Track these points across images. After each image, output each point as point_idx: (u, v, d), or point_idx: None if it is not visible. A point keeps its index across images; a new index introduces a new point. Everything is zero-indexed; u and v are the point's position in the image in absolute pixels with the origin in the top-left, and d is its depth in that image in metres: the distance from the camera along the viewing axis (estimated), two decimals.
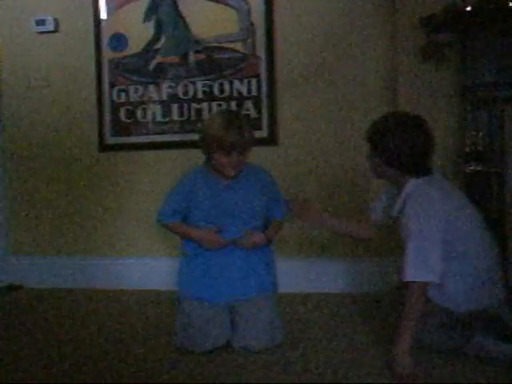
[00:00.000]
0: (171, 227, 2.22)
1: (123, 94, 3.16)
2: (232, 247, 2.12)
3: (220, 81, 3.03)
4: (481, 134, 2.31)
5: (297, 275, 2.91)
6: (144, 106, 3.14)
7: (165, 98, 3.12)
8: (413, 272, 1.78)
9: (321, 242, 2.96)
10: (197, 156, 3.07)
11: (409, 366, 1.76)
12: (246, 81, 3.00)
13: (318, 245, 2.97)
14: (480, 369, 1.82)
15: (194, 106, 3.08)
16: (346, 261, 2.93)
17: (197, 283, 2.15)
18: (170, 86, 3.11)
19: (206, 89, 3.05)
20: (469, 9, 2.19)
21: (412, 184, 1.91)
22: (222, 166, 2.07)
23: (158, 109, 3.13)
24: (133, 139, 3.16)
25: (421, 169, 1.93)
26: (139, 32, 3.11)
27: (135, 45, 3.12)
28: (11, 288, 3.24)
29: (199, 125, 2.15)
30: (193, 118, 3.08)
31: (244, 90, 3.00)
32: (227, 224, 2.12)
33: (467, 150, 2.34)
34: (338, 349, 2.06)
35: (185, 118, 3.09)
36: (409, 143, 1.87)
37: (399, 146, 1.88)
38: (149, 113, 3.14)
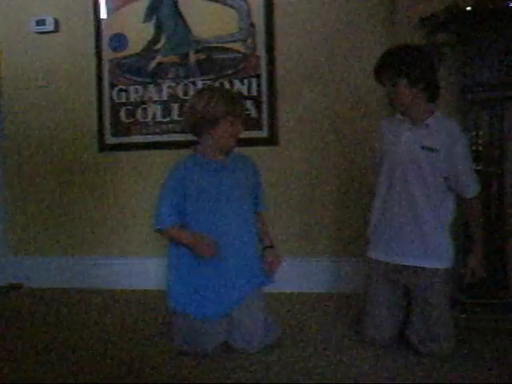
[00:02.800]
0: (170, 234, 2.11)
1: (123, 94, 3.16)
2: (226, 252, 2.06)
3: (220, 81, 3.03)
4: (481, 133, 2.31)
5: (296, 275, 2.91)
6: (144, 105, 3.14)
7: (165, 97, 3.12)
8: (477, 187, 2.04)
9: (320, 241, 2.96)
10: None
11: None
12: (246, 81, 3.00)
13: (317, 244, 2.97)
14: (479, 369, 1.82)
15: None
16: (347, 260, 2.93)
17: (190, 299, 2.07)
18: (170, 86, 3.11)
19: None
20: (469, 9, 2.19)
21: (442, 119, 2.04)
22: (225, 138, 2.06)
23: (158, 109, 3.13)
24: (133, 139, 3.16)
25: (437, 92, 2.05)
26: (139, 32, 3.11)
27: (135, 45, 3.12)
28: (11, 288, 3.25)
29: (185, 108, 2.12)
30: None
31: (244, 90, 3.00)
32: (225, 205, 2.08)
33: None
34: (337, 349, 2.06)
35: None
36: (429, 61, 2.01)
37: (426, 65, 1.99)
38: (149, 113, 3.14)
